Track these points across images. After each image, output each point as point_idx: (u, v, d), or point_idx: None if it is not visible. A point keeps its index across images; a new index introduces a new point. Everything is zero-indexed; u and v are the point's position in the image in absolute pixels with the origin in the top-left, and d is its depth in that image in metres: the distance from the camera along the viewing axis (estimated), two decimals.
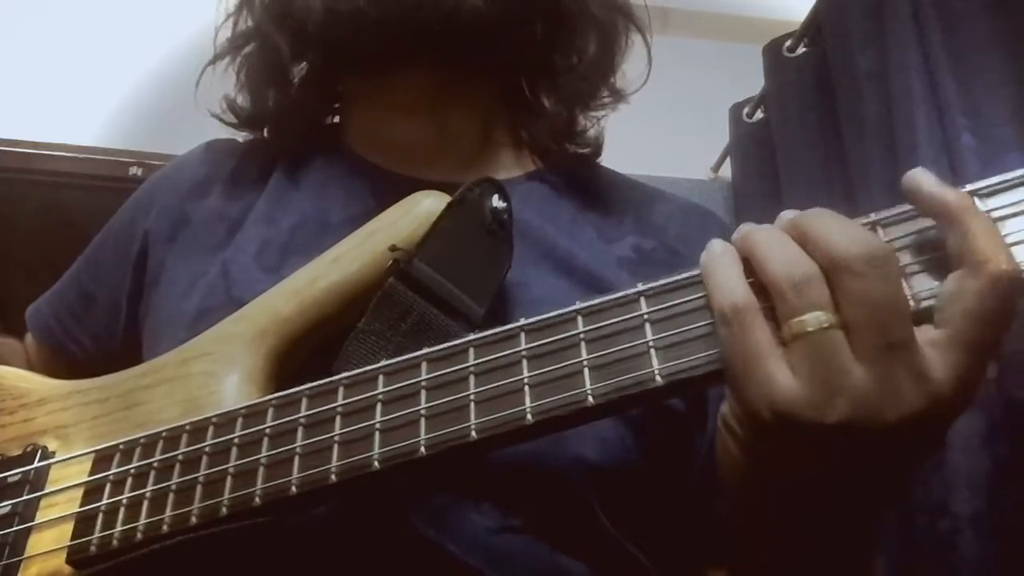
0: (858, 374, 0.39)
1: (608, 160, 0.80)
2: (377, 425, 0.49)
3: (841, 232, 0.41)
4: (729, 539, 0.64)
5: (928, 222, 0.43)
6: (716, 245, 0.45)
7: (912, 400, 0.39)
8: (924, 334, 0.40)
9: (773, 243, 0.43)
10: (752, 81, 1.99)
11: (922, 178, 0.42)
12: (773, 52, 1.90)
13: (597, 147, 0.78)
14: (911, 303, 0.41)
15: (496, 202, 0.61)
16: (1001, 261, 0.39)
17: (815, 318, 0.40)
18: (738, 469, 0.46)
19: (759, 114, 2.03)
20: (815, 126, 1.73)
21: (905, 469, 0.45)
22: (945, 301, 0.40)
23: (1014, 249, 0.40)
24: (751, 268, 0.43)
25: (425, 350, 0.51)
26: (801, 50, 1.83)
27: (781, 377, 0.40)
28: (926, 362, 0.39)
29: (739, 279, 0.43)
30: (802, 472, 0.43)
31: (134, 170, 1.95)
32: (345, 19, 0.65)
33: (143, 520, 0.53)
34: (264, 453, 0.51)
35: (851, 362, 0.39)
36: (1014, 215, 0.41)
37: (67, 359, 0.81)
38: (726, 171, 2.20)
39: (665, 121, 2.09)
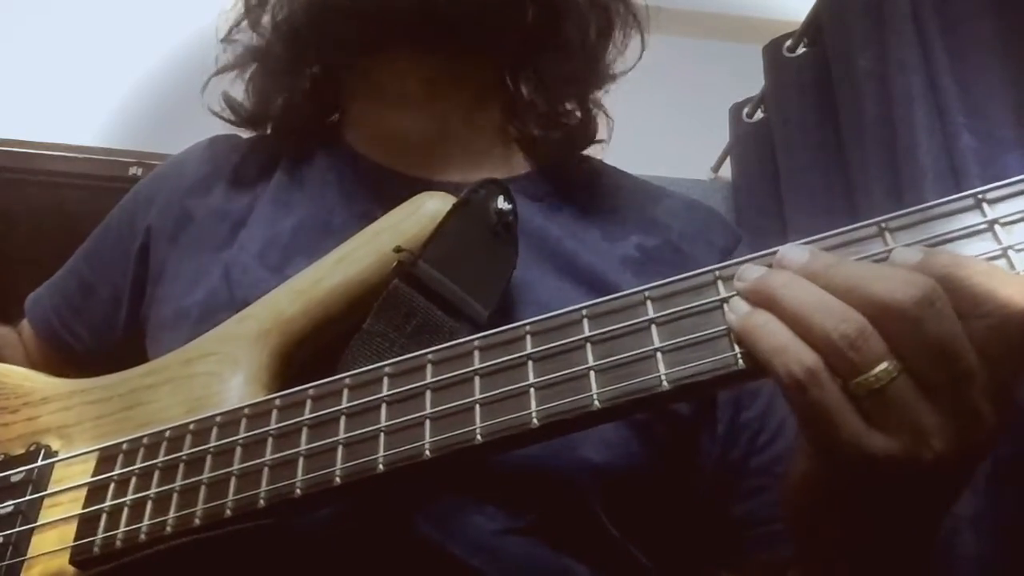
0: (939, 412, 0.39)
1: (608, 160, 0.80)
2: (382, 428, 0.49)
3: (884, 279, 0.39)
4: (742, 542, 0.64)
5: (937, 228, 0.42)
6: (740, 305, 0.43)
7: (992, 419, 0.39)
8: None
9: (805, 297, 0.41)
10: (752, 81, 1.99)
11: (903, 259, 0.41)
12: (773, 52, 1.90)
13: (588, 134, 0.77)
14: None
15: (501, 203, 0.61)
16: (1016, 299, 0.38)
17: (883, 371, 0.39)
18: (820, 519, 0.46)
19: (759, 114, 2.02)
20: (815, 126, 1.73)
21: (974, 472, 0.45)
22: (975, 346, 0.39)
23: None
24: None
25: (429, 350, 0.51)
26: (801, 50, 1.83)
27: (870, 435, 0.39)
28: (993, 381, 0.39)
29: (795, 338, 0.40)
30: (894, 509, 0.43)
31: (134, 170, 1.95)
32: (324, 8, 0.66)
33: (147, 521, 0.53)
34: (268, 455, 0.51)
35: (926, 403, 0.39)
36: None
37: (64, 351, 0.81)
38: (726, 171, 2.20)
39: (665, 121, 2.09)
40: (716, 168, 2.27)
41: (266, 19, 0.76)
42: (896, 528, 0.45)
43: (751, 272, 0.44)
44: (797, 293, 0.41)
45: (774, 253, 0.44)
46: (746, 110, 2.06)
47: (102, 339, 0.79)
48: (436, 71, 0.71)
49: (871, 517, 0.45)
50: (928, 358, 0.38)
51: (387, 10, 0.64)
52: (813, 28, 1.78)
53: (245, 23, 0.77)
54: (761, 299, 0.42)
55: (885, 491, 0.42)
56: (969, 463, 0.41)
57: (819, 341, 0.40)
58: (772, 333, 0.41)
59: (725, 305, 0.44)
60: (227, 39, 0.78)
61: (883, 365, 0.39)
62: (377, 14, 0.65)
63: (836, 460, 0.41)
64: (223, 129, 0.80)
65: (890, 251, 0.42)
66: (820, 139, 1.71)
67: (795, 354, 0.40)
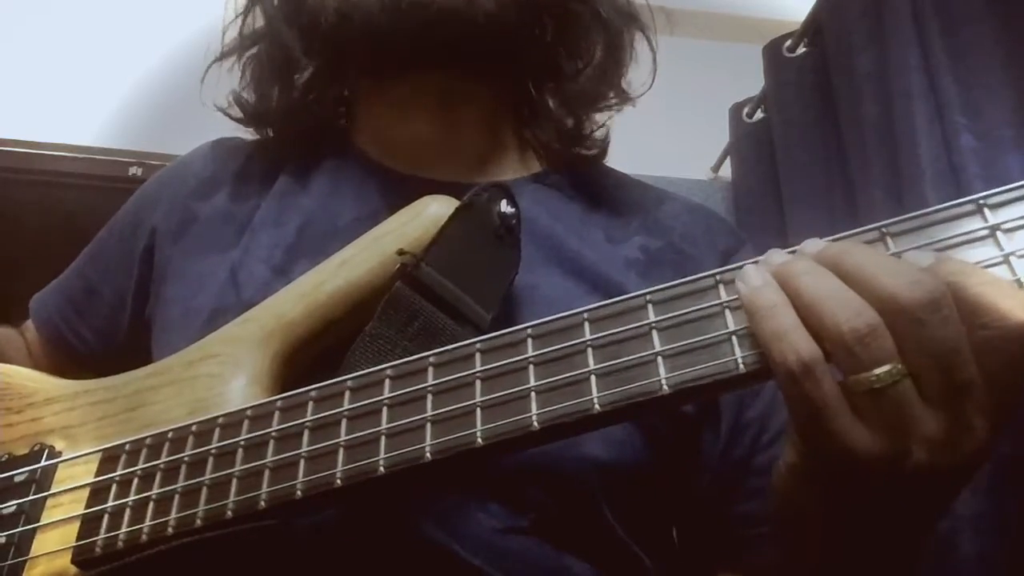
0: (931, 420, 0.39)
1: (609, 160, 0.81)
2: (383, 430, 0.49)
3: (893, 274, 0.39)
4: (743, 541, 0.64)
5: (938, 233, 0.42)
6: (754, 276, 0.43)
7: (983, 434, 0.39)
8: None
9: (825, 287, 0.40)
10: (752, 81, 1.99)
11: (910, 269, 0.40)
12: (773, 52, 1.90)
13: (603, 149, 0.78)
14: None
15: (504, 207, 0.61)
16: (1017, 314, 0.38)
17: (886, 372, 0.38)
18: (804, 509, 0.46)
19: (759, 114, 2.02)
20: (815, 126, 1.73)
21: (964, 485, 0.45)
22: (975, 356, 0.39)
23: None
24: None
25: (431, 352, 0.51)
26: (801, 50, 1.83)
27: (856, 431, 0.39)
28: (990, 396, 0.39)
29: (799, 326, 0.40)
30: (874, 507, 0.43)
31: (134, 170, 1.95)
32: (357, 25, 0.65)
33: (148, 521, 0.53)
34: (270, 456, 0.52)
35: (923, 409, 0.39)
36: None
37: (69, 352, 0.81)
38: (726, 171, 2.20)
39: (665, 121, 2.09)
40: (716, 168, 2.27)
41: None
42: (880, 527, 0.45)
43: (776, 256, 0.43)
44: (817, 280, 0.41)
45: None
46: (746, 110, 2.06)
47: (106, 341, 0.79)
48: (455, 81, 0.71)
49: (854, 513, 0.44)
50: (929, 363, 0.38)
51: (420, 37, 0.64)
52: (813, 28, 1.78)
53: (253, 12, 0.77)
54: (783, 280, 0.42)
55: (866, 489, 0.42)
56: (957, 474, 0.41)
57: (828, 332, 0.39)
58: (776, 316, 0.40)
59: (739, 281, 0.43)
60: (246, 10, 0.78)
61: (887, 367, 0.38)
62: (409, 40, 0.65)
63: (819, 451, 0.41)
64: (223, 128, 0.80)
65: (898, 254, 0.42)
66: (820, 139, 1.71)
67: (794, 343, 0.40)
